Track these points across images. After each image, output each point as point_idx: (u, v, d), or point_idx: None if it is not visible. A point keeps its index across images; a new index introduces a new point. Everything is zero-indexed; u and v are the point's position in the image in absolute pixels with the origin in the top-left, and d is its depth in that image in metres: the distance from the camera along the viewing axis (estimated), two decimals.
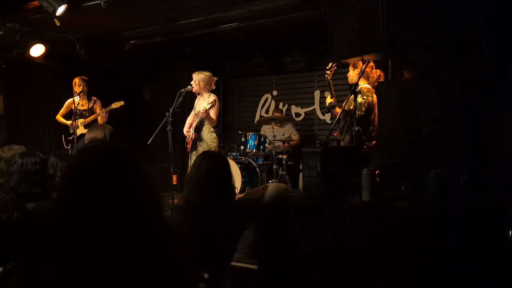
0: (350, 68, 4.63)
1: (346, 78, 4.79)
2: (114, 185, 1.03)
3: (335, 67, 4.63)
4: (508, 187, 2.70)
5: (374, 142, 4.39)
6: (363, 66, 3.44)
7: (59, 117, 6.41)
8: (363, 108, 4.36)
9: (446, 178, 2.42)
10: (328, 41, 3.18)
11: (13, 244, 2.41)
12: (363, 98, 4.37)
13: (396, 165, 3.19)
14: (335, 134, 4.81)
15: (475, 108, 2.95)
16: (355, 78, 4.50)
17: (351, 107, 4.30)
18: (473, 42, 3.03)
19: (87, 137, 2.94)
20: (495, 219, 2.21)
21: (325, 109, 5.01)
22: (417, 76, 3.58)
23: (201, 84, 5.21)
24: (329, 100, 4.78)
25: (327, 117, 7.32)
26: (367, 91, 4.44)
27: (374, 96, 4.44)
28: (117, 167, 1.06)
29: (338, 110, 4.66)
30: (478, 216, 2.24)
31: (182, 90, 5.24)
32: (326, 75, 4.63)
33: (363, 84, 4.52)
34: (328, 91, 4.83)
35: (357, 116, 4.27)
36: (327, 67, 4.62)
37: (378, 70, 4.64)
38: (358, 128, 4.19)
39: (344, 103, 4.54)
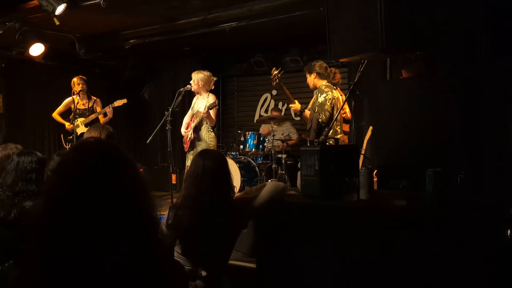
0: (306, 75, 4.75)
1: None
2: (104, 182, 1.03)
3: (282, 72, 4.71)
4: (506, 186, 2.70)
5: (341, 135, 4.51)
6: (361, 67, 3.44)
7: (55, 115, 6.39)
8: (327, 107, 4.40)
9: (444, 177, 2.42)
10: (327, 40, 3.18)
11: (11, 242, 2.42)
12: (323, 97, 4.45)
13: (394, 163, 3.19)
14: (303, 135, 4.91)
15: (474, 107, 2.95)
16: (316, 82, 4.69)
17: (316, 110, 4.48)
18: (472, 41, 3.03)
19: (85, 136, 2.96)
20: (494, 218, 2.21)
21: (297, 116, 5.00)
22: (416, 75, 3.58)
23: (200, 83, 5.19)
24: (294, 106, 4.79)
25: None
26: (326, 87, 4.56)
27: (334, 91, 4.55)
28: (108, 164, 1.06)
29: (307, 113, 4.72)
30: (476, 214, 2.24)
31: (182, 89, 5.23)
32: (273, 82, 4.69)
33: (322, 83, 4.65)
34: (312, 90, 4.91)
35: (326, 117, 4.34)
36: (271, 72, 4.68)
37: (332, 69, 4.84)
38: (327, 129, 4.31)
39: (310, 105, 4.66)
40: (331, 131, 4.37)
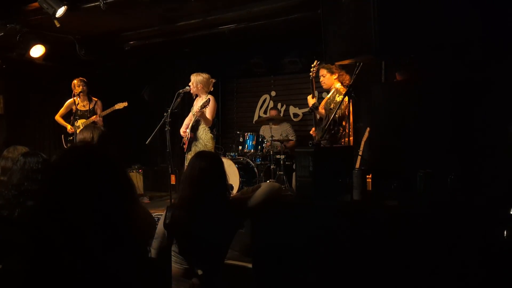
0: (327, 74, 4.82)
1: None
2: (93, 186, 1.08)
3: (318, 65, 4.79)
4: (499, 187, 2.74)
5: (351, 138, 4.51)
6: (356, 70, 3.50)
7: (58, 118, 6.46)
8: (343, 106, 4.48)
9: (434, 178, 2.47)
10: (322, 43, 3.23)
11: (15, 240, 2.46)
12: (341, 97, 4.53)
13: (387, 164, 3.24)
14: (312, 130, 4.98)
15: (466, 109, 2.99)
16: (334, 82, 4.80)
17: (332, 106, 4.52)
18: (465, 45, 3.08)
19: (78, 137, 2.99)
20: (483, 219, 2.25)
21: (308, 110, 5.15)
22: (409, 78, 3.63)
23: (198, 86, 5.21)
24: (311, 100, 4.93)
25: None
26: (343, 90, 4.66)
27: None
28: (96, 169, 1.10)
29: (321, 110, 4.82)
30: (468, 215, 2.29)
31: (181, 90, 5.27)
32: (310, 73, 4.81)
33: (338, 85, 4.77)
34: (310, 92, 5.06)
35: (340, 114, 4.43)
36: (312, 65, 4.76)
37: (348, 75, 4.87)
38: (338, 127, 4.35)
39: (323, 102, 4.73)
40: (343, 133, 4.47)
